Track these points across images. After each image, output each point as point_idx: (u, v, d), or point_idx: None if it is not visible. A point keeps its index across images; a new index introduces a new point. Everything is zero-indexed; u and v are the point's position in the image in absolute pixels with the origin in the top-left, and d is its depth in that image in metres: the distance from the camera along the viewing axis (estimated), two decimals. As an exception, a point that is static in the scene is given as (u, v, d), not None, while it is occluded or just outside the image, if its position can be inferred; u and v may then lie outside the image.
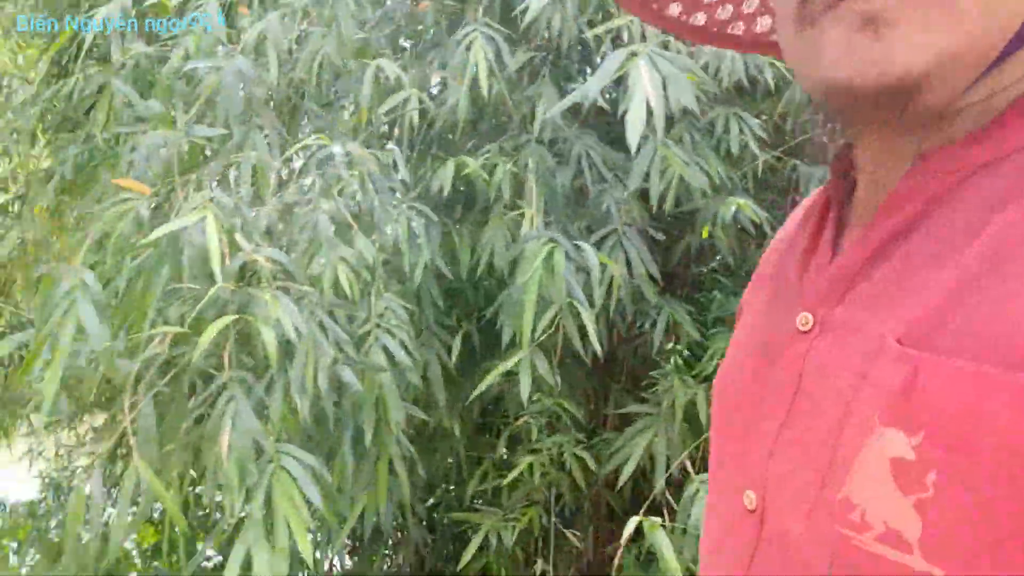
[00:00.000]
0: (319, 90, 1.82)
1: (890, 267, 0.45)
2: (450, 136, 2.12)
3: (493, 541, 2.33)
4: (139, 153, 1.55)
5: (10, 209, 3.88)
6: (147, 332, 1.35)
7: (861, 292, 0.47)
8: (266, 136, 1.65)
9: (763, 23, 0.66)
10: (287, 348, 1.32)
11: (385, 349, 1.48)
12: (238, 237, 1.31)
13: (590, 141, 2.03)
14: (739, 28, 0.67)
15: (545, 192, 1.93)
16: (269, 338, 1.24)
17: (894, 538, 0.39)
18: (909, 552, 0.38)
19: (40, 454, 4.48)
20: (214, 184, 1.57)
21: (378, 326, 1.51)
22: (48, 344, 1.32)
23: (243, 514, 1.30)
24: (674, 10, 0.65)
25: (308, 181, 1.54)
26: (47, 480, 4.35)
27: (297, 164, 1.76)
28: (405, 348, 1.51)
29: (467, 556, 2.32)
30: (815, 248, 0.53)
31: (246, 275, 1.41)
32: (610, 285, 1.85)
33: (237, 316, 1.26)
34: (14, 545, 4.41)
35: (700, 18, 0.66)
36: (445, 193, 1.92)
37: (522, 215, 1.89)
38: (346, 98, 1.90)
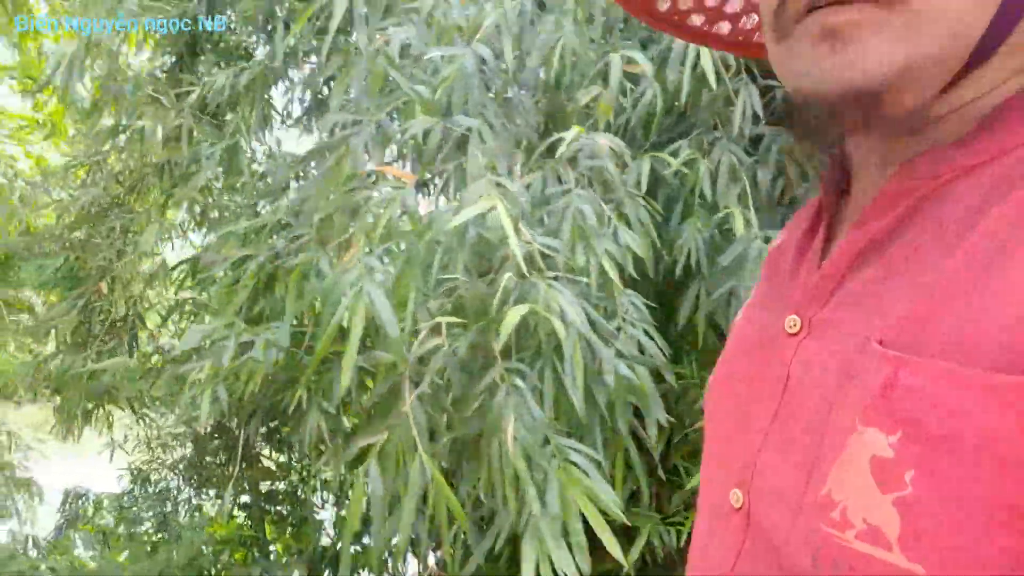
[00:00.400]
0: (550, 80, 1.80)
1: (875, 269, 0.46)
2: (642, 131, 2.09)
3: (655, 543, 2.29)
4: (359, 139, 1.53)
5: (125, 200, 3.90)
6: (410, 323, 1.33)
7: (847, 293, 0.47)
8: (491, 126, 1.63)
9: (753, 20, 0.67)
10: (558, 340, 1.29)
11: (638, 343, 1.45)
12: (522, 227, 1.28)
13: (789, 138, 1.99)
14: (752, 22, 0.67)
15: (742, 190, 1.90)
16: (560, 328, 1.22)
17: (874, 535, 0.39)
18: (888, 549, 0.38)
19: (134, 447, 4.47)
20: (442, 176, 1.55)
21: (624, 320, 1.49)
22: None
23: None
24: (696, 21, 0.66)
25: (557, 171, 1.51)
26: (135, 472, 4.35)
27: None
28: (655, 343, 1.48)
29: (633, 557, 2.28)
30: (806, 252, 0.53)
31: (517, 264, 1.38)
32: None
33: (529, 306, 1.24)
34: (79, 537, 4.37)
35: (696, 20, 0.66)
36: (643, 188, 1.89)
37: (726, 214, 1.86)
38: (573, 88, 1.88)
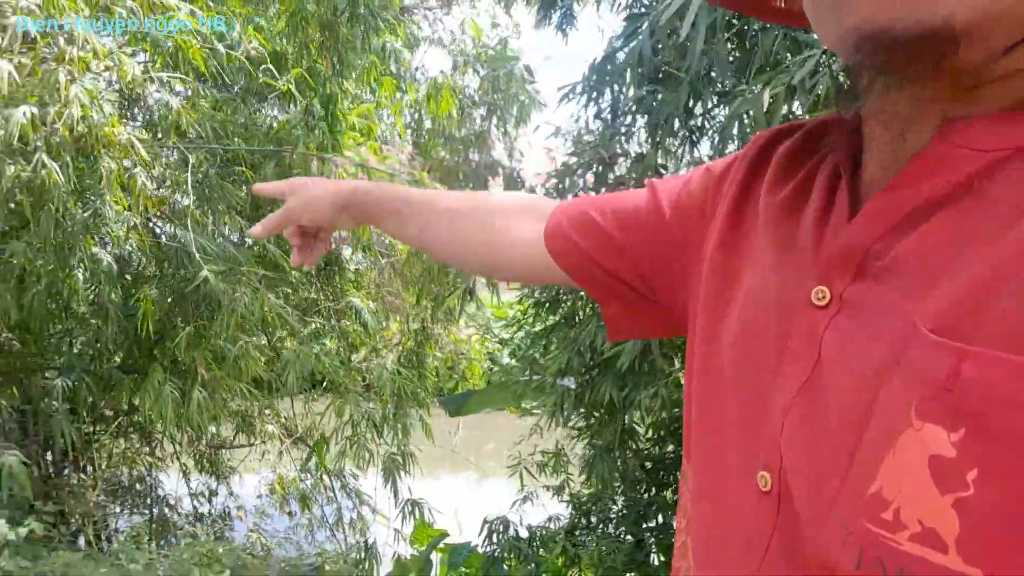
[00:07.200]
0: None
1: (913, 244, 0.43)
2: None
3: None
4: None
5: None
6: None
7: (881, 268, 0.45)
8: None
9: None
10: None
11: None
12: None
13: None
14: None
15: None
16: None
17: (930, 537, 0.37)
18: (944, 552, 0.37)
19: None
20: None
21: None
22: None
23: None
24: None
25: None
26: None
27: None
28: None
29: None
30: (828, 213, 0.51)
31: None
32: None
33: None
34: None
35: None
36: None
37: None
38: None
